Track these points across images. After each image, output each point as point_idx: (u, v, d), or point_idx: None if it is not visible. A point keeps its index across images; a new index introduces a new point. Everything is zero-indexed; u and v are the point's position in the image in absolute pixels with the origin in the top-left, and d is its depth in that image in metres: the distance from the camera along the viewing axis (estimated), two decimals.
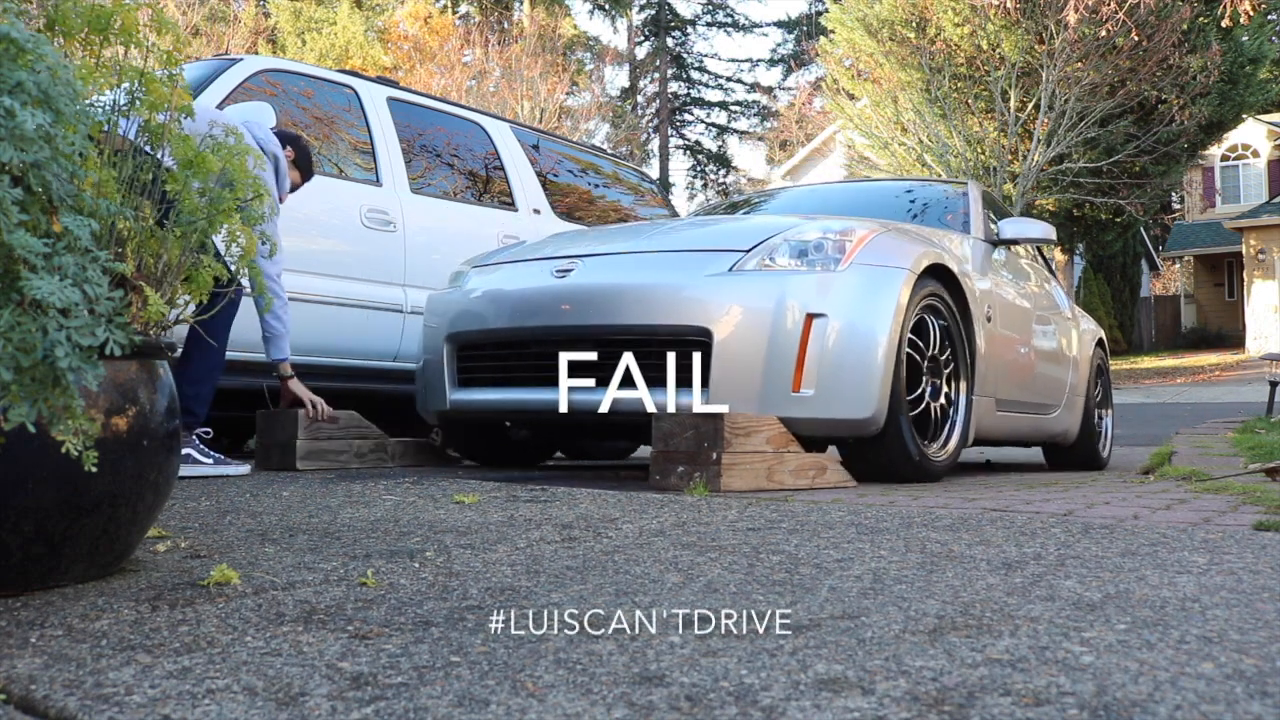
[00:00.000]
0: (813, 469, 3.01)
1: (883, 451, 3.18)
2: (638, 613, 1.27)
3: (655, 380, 3.13)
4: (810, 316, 3.03)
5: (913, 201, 4.70)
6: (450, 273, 3.97)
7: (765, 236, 3.26)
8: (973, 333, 3.58)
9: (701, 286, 3.11)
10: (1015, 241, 4.32)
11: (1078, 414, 4.98)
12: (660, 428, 2.83)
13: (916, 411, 3.29)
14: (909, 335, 3.22)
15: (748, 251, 3.20)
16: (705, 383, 3.02)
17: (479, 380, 3.57)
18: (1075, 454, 5.14)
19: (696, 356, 3.01)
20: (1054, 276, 5.36)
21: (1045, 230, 4.35)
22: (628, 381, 3.18)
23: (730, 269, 3.15)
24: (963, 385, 3.55)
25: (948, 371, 3.49)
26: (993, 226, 4.39)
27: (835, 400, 3.03)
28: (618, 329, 3.19)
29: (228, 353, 3.53)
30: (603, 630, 1.19)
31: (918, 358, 3.33)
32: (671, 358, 3.11)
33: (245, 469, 3.02)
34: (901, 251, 3.27)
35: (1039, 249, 5.40)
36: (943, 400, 3.47)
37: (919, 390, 3.33)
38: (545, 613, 1.27)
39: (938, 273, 3.41)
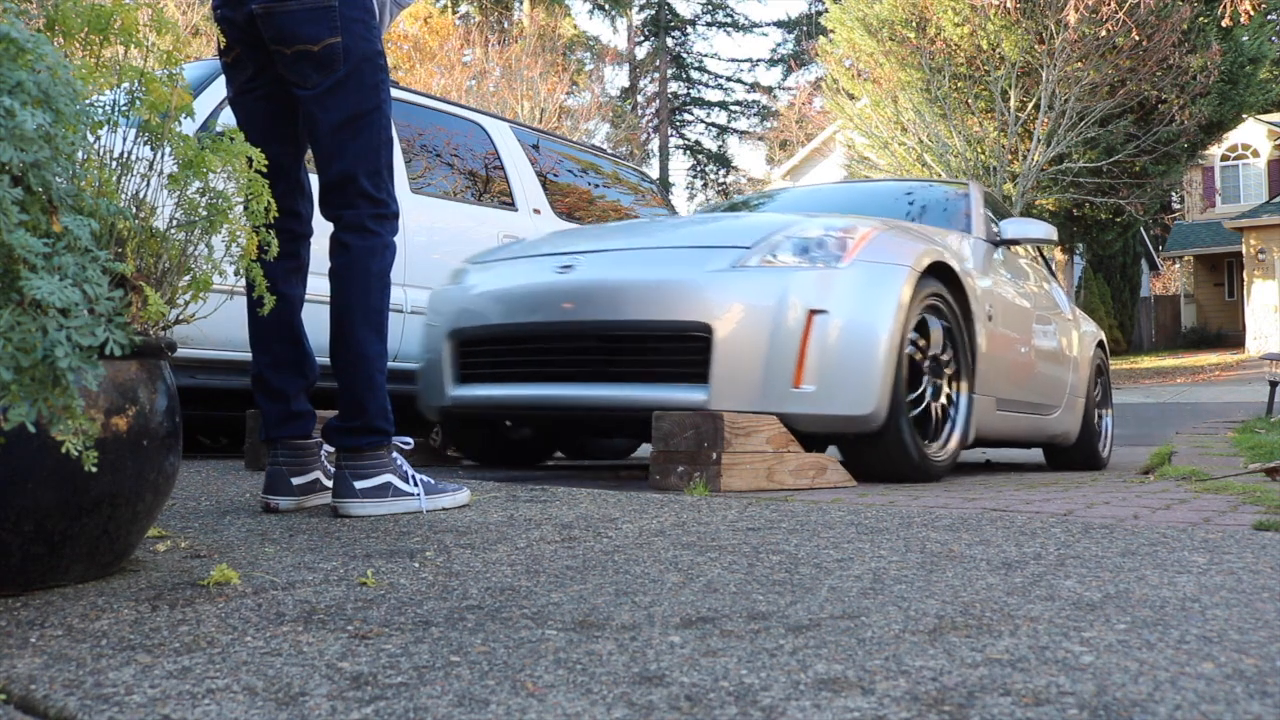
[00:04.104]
0: (813, 469, 3.01)
1: (882, 450, 3.18)
2: (638, 613, 1.27)
3: (656, 376, 3.15)
4: (812, 313, 3.03)
5: (913, 203, 4.71)
6: (451, 270, 3.97)
7: (768, 233, 3.26)
8: (974, 332, 3.58)
9: (703, 282, 3.11)
10: (1017, 242, 4.32)
11: (1078, 414, 4.98)
12: (660, 428, 2.83)
13: (917, 411, 3.28)
14: (910, 334, 3.22)
15: (750, 248, 3.20)
16: (706, 379, 3.02)
17: (479, 376, 3.56)
18: (1075, 454, 5.14)
19: (697, 353, 3.02)
20: (1054, 277, 5.36)
21: (1047, 231, 4.36)
22: (628, 377, 3.19)
23: (732, 265, 3.14)
24: (964, 385, 3.54)
25: (949, 371, 3.48)
26: (994, 227, 4.40)
27: (836, 396, 3.03)
28: (618, 325, 3.18)
29: (225, 353, 3.52)
30: (603, 630, 1.19)
31: (919, 356, 3.32)
32: (672, 354, 3.12)
33: (465, 496, 2.30)
34: (903, 249, 3.27)
35: (1039, 250, 5.39)
36: (943, 400, 3.46)
37: (920, 389, 3.31)
38: (545, 612, 1.27)
39: (939, 271, 3.41)
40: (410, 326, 4.39)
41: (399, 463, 2.18)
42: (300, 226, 2.32)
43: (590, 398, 3.20)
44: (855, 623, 1.22)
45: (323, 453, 2.33)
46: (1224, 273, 28.24)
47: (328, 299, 2.21)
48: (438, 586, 1.43)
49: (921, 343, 3.33)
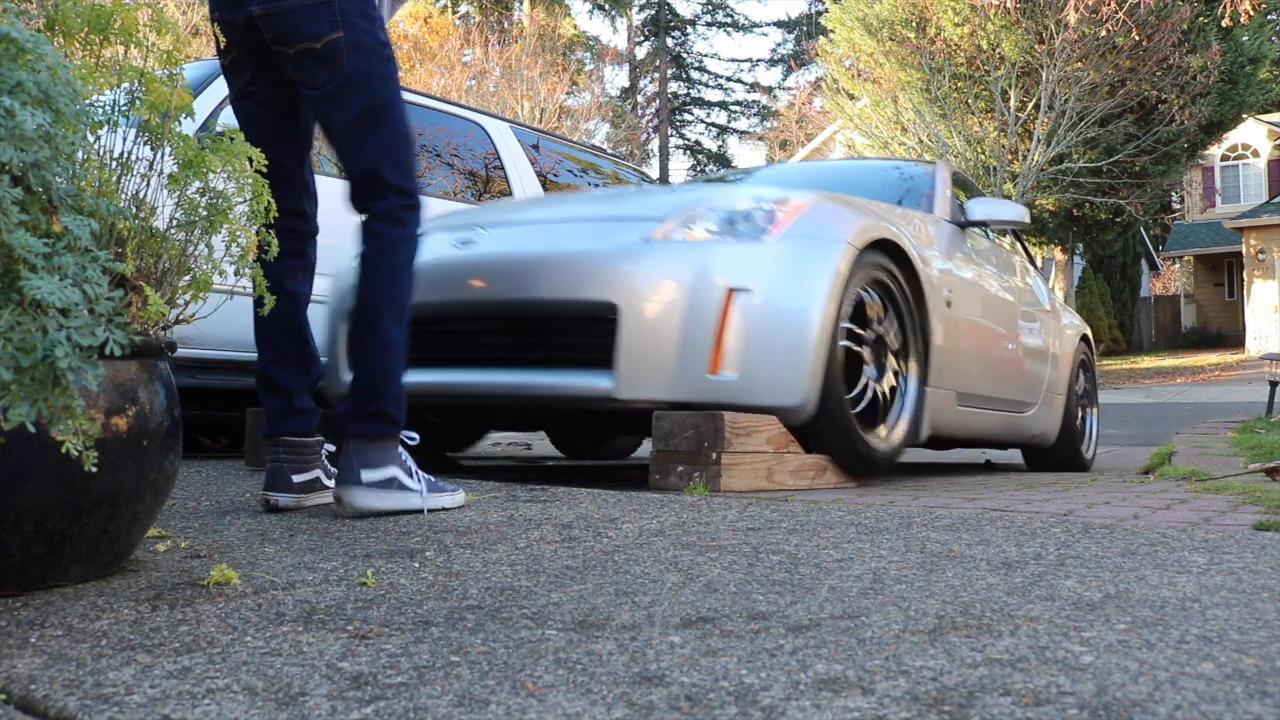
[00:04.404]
0: (812, 469, 2.93)
1: (817, 440, 2.90)
2: (638, 612, 1.27)
3: (561, 362, 2.87)
4: (732, 291, 2.71)
5: (878, 180, 4.37)
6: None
7: (688, 204, 2.95)
8: (926, 317, 3.25)
9: (608, 257, 2.78)
10: (984, 224, 4.02)
11: (1057, 413, 4.70)
12: (660, 427, 2.74)
13: (856, 394, 2.99)
14: (850, 315, 2.93)
15: (663, 219, 2.89)
16: (611, 364, 2.72)
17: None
18: (1056, 455, 4.86)
19: (602, 335, 2.73)
20: (1035, 268, 5.10)
21: (1018, 212, 4.05)
22: (530, 363, 2.91)
23: (643, 238, 2.83)
24: (913, 369, 3.23)
25: (896, 355, 3.18)
26: (961, 208, 4.10)
27: (760, 385, 2.73)
28: (519, 305, 2.87)
29: (223, 352, 3.51)
30: (603, 630, 1.19)
31: (860, 337, 3.02)
32: (576, 337, 2.85)
33: (461, 497, 2.26)
34: (842, 223, 2.95)
35: (1020, 239, 5.19)
36: (888, 386, 3.16)
37: (862, 377, 3.03)
38: (545, 612, 1.27)
39: (887, 250, 3.10)
40: None
41: (404, 458, 2.14)
42: (305, 225, 2.32)
43: (488, 385, 2.92)
44: (855, 623, 1.22)
45: (324, 451, 2.30)
46: (1224, 273, 28.25)
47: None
48: (438, 586, 1.43)
49: (863, 324, 3.03)
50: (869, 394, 3.04)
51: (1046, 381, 4.53)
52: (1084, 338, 5.23)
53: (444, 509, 2.15)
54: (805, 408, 2.78)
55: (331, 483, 2.26)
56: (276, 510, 2.19)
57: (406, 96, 4.91)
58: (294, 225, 2.25)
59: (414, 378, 3.01)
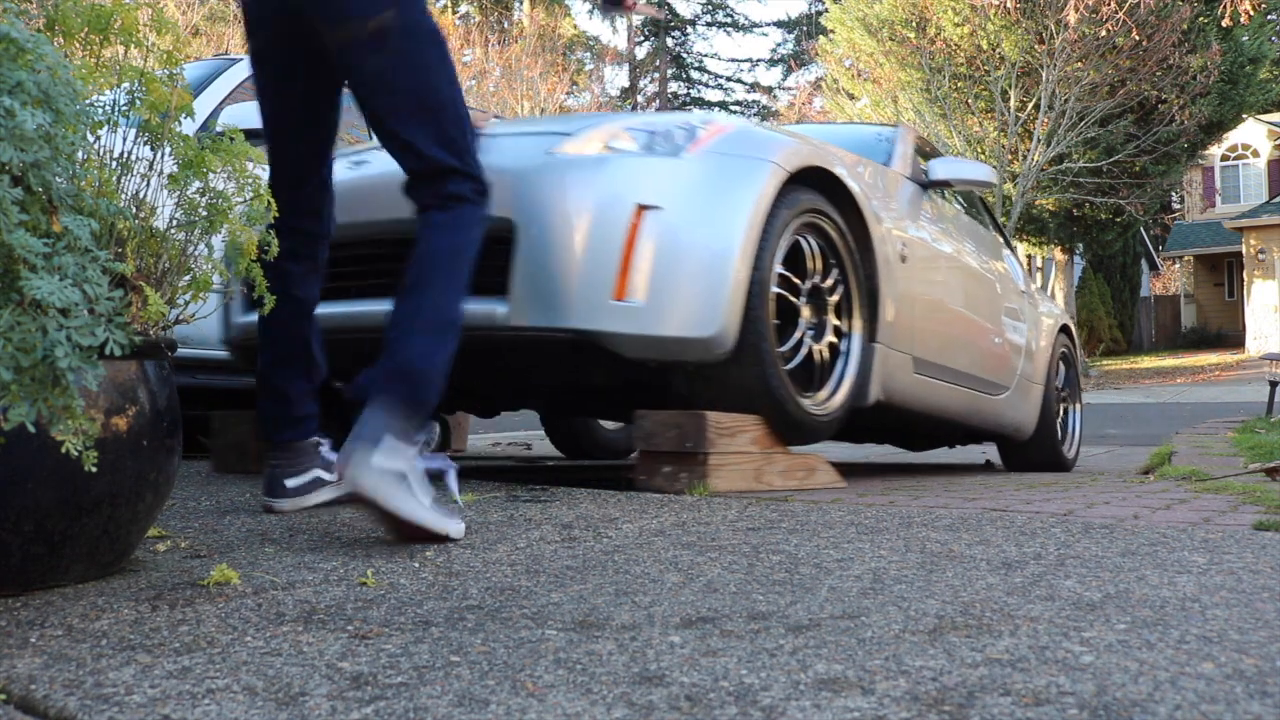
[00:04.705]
0: (802, 470, 2.81)
1: (736, 389, 2.59)
2: (638, 612, 1.27)
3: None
4: (642, 209, 2.44)
5: (838, 139, 3.95)
6: None
7: (608, 122, 2.68)
8: (873, 265, 2.96)
9: (507, 171, 2.47)
10: (948, 184, 3.72)
11: (1033, 404, 4.45)
12: (642, 427, 2.59)
13: (790, 348, 2.73)
14: (784, 261, 2.67)
15: (576, 135, 2.62)
16: (506, 289, 2.46)
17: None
18: (1033, 452, 4.60)
19: (498, 257, 2.45)
20: (1013, 250, 4.90)
21: (983, 172, 3.78)
22: None
23: (547, 152, 2.56)
24: (857, 325, 2.94)
25: (838, 311, 2.90)
26: (922, 168, 3.83)
27: (670, 313, 2.45)
28: (408, 225, 2.69)
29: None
30: (603, 630, 1.19)
31: (794, 284, 2.75)
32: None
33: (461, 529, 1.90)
34: (769, 143, 2.68)
35: (996, 220, 4.99)
36: (827, 345, 2.86)
37: (797, 331, 2.76)
38: (545, 612, 1.27)
39: (825, 186, 2.82)
40: None
41: (426, 463, 1.88)
42: (320, 226, 2.18)
43: (370, 316, 2.60)
44: (855, 623, 1.22)
45: (323, 448, 2.19)
46: (1224, 273, 28.26)
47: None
48: (438, 586, 1.43)
49: (800, 281, 2.77)
50: (804, 350, 2.79)
51: (1021, 366, 4.29)
52: (1065, 328, 4.99)
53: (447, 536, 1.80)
54: (721, 341, 2.49)
55: (333, 476, 2.11)
56: (274, 513, 2.16)
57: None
58: (309, 226, 2.14)
59: None
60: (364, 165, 2.77)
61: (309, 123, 2.15)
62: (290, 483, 2.15)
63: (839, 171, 2.83)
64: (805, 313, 2.80)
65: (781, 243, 2.63)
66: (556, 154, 2.56)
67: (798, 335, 2.76)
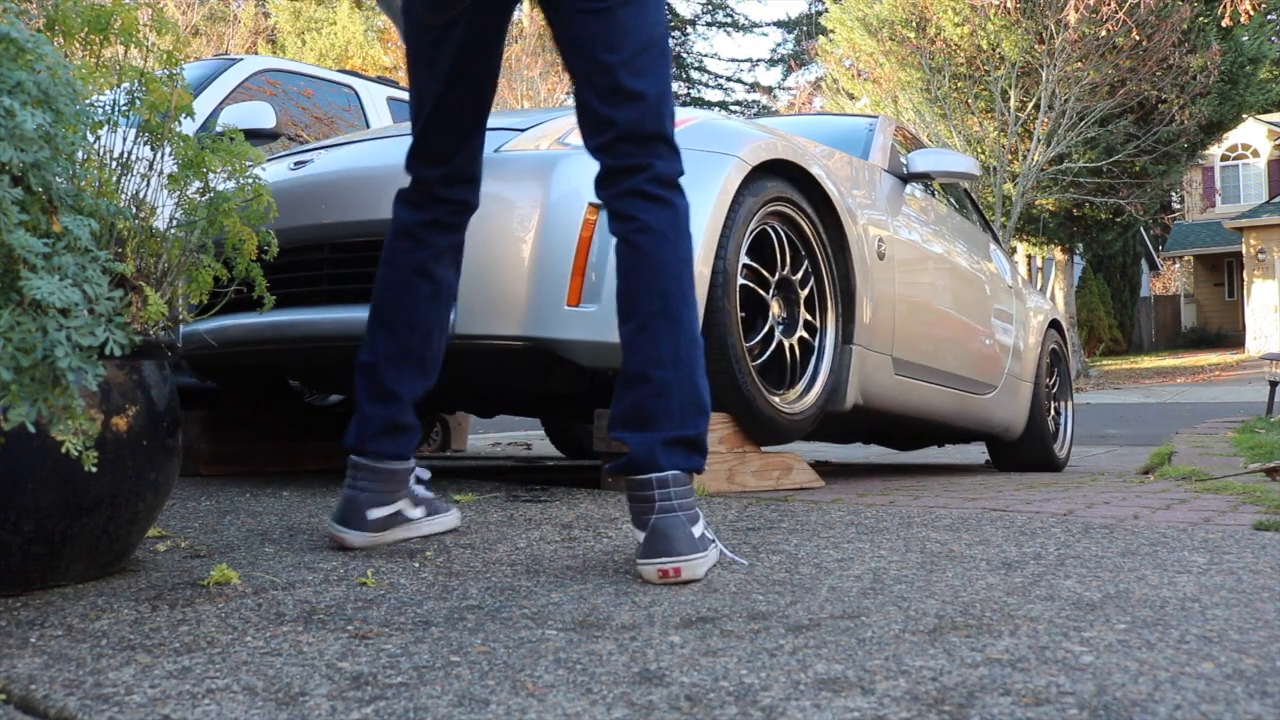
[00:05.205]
0: (777, 469, 2.68)
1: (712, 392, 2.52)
2: (638, 612, 1.27)
3: None
4: (595, 208, 2.29)
5: (814, 131, 3.80)
6: None
7: (563, 117, 2.55)
8: (848, 264, 2.86)
9: None
10: (929, 176, 3.57)
11: (1023, 403, 4.35)
12: (601, 427, 2.45)
13: (758, 342, 2.64)
14: (749, 252, 2.57)
15: (527, 131, 2.50)
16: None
17: (225, 308, 2.37)
18: (1023, 452, 4.51)
19: None
20: (1000, 245, 4.79)
21: (965, 164, 3.63)
22: (364, 297, 2.32)
23: (495, 149, 2.40)
24: (830, 324, 2.85)
25: (809, 306, 2.80)
26: (902, 161, 3.67)
27: None
28: (352, 229, 2.46)
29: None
30: (603, 630, 1.19)
31: (764, 277, 2.66)
32: None
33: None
34: (732, 136, 2.59)
35: (984, 217, 4.90)
36: (799, 338, 2.75)
37: (765, 323, 2.66)
38: (545, 612, 1.27)
39: (797, 183, 2.73)
40: None
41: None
42: (473, 196, 1.83)
43: (316, 324, 2.47)
44: (855, 623, 1.22)
45: (413, 478, 1.81)
46: (1224, 273, 28.26)
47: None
48: (438, 586, 1.43)
49: (769, 274, 2.67)
50: (774, 344, 2.69)
51: (1009, 364, 4.19)
52: (1054, 324, 4.90)
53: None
54: None
55: (418, 513, 1.80)
56: (346, 549, 1.72)
57: (408, 96, 4.21)
58: (463, 195, 1.80)
59: (240, 321, 2.57)
60: (304, 166, 2.64)
61: (476, 74, 1.77)
62: (373, 514, 1.73)
63: (808, 165, 2.75)
64: (774, 307, 2.72)
65: (747, 231, 2.54)
66: (505, 151, 2.44)
67: (766, 329, 2.67)
